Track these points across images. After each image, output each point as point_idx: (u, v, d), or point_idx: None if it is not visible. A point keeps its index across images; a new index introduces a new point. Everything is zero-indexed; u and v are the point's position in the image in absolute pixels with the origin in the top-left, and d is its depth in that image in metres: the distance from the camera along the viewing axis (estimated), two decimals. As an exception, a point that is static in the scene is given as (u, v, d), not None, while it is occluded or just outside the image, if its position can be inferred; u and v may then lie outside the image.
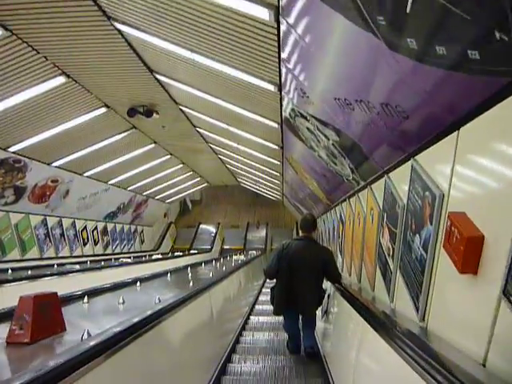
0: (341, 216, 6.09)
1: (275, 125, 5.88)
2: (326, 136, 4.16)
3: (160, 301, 3.15)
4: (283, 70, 4.05)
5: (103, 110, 7.63)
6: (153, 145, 10.58)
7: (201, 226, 21.61)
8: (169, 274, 5.95)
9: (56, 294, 2.20)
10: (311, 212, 10.48)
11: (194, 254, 15.53)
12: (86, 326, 1.96)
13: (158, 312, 2.43)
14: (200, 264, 8.67)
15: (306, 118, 4.32)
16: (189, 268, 7.26)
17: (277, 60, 4.02)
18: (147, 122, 8.77)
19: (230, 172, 15.37)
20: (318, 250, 4.43)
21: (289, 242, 4.40)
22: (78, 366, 1.46)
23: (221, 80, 5.15)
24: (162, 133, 9.75)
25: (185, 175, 14.94)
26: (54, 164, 9.15)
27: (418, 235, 2.54)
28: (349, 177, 4.67)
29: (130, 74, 6.38)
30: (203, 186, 19.01)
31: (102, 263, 8.77)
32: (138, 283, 4.74)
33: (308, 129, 4.63)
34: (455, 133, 2.00)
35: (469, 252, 1.70)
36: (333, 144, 4.14)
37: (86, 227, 12.53)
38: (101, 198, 12.35)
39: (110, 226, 14.23)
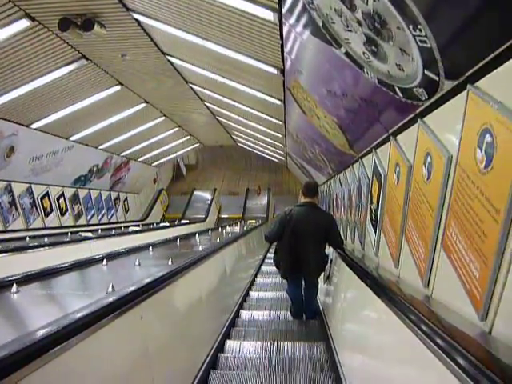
0: (376, 168, 3.84)
1: (270, 14, 3.49)
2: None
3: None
4: None
5: (26, 22, 5.26)
6: (118, 87, 8.19)
7: (195, 192, 19.46)
8: (104, 261, 3.77)
9: None
10: (321, 172, 8.37)
11: (184, 224, 13.40)
12: None
13: None
14: (174, 240, 6.54)
15: None
16: (150, 248, 5.12)
17: None
18: (101, 47, 6.43)
19: (223, 127, 12.98)
20: (321, 216, 4.44)
21: (291, 209, 4.37)
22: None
23: None
24: (126, 68, 7.37)
25: (169, 132, 12.57)
26: (-20, 109, 6.89)
27: None
28: (413, 81, 2.37)
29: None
30: (195, 146, 16.64)
31: (46, 239, 6.62)
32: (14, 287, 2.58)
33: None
34: None
35: None
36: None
37: (47, 194, 10.35)
38: (64, 158, 10.10)
39: (82, 193, 12.05)
